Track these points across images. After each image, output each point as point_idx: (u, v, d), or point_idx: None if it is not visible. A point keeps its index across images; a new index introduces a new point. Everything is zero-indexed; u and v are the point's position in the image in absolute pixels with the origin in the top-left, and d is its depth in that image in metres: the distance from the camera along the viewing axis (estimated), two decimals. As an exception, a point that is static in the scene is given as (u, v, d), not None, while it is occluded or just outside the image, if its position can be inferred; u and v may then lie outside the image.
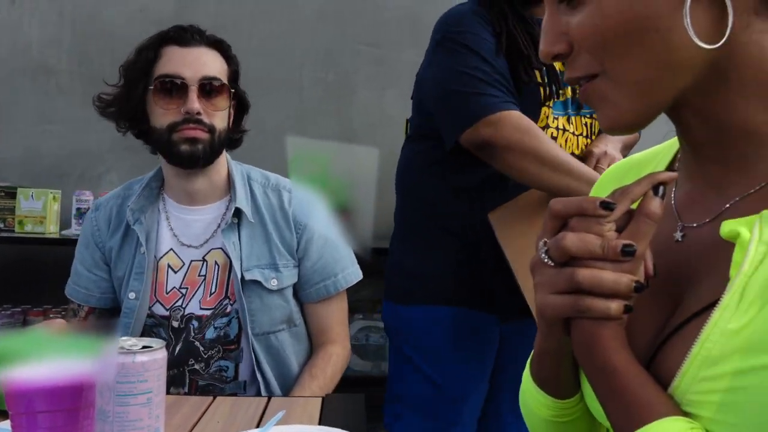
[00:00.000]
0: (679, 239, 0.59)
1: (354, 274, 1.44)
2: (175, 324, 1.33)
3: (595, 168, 1.33)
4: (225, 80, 1.34)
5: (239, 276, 1.32)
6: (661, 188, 0.54)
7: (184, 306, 1.34)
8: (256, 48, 2.58)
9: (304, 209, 1.38)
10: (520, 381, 0.71)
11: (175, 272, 1.36)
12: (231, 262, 1.33)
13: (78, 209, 2.30)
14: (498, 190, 1.33)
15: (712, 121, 0.56)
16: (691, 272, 0.55)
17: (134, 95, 1.31)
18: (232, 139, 1.41)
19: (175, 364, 1.32)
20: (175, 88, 1.28)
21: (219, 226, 1.36)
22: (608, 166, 1.31)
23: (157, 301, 1.34)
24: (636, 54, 0.54)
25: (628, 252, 0.51)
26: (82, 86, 2.58)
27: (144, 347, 0.77)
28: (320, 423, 1.00)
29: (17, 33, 2.59)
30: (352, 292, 2.41)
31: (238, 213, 1.35)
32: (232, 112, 1.38)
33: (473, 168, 1.33)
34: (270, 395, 1.32)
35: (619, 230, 0.53)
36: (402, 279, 1.44)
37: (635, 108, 0.56)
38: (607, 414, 0.54)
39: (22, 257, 2.35)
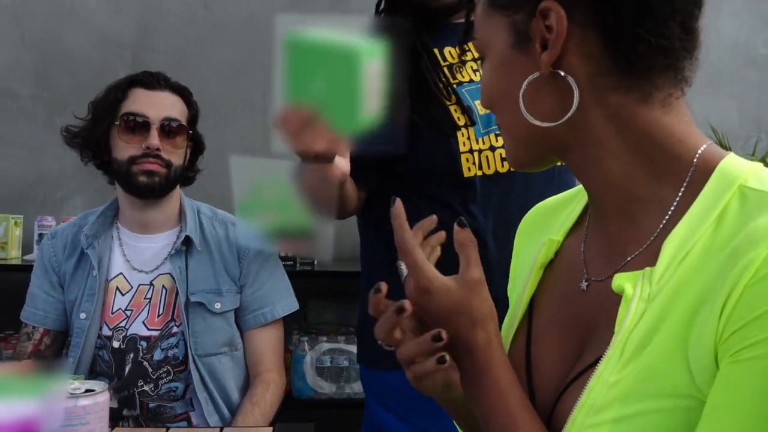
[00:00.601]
0: (585, 289, 0.64)
1: (290, 305, 1.56)
2: (116, 344, 1.42)
3: None
4: (184, 122, 1.48)
5: (185, 298, 1.42)
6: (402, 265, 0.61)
7: (127, 327, 1.44)
8: (217, 71, 2.62)
9: (247, 242, 1.47)
10: None
11: (123, 294, 1.46)
12: (178, 287, 1.42)
13: (40, 234, 2.29)
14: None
15: (595, 182, 0.62)
16: (592, 323, 0.60)
17: (100, 129, 1.45)
18: (186, 177, 1.53)
19: (124, 386, 1.40)
20: (138, 125, 1.42)
21: (169, 253, 1.46)
22: None
23: (105, 322, 1.44)
24: (506, 116, 0.64)
25: (436, 339, 0.58)
26: (45, 111, 2.58)
27: (87, 390, 0.80)
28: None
29: (-22, 57, 2.58)
30: (317, 315, 2.45)
31: (187, 241, 1.47)
32: (188, 151, 1.50)
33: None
34: (219, 415, 1.43)
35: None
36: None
37: (520, 155, 0.65)
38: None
39: (-17, 283, 2.32)
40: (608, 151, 0.60)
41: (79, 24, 2.60)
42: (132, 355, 1.42)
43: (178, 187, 1.53)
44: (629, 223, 0.61)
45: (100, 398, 0.80)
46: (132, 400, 1.41)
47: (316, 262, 2.31)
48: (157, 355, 1.43)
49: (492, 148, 1.26)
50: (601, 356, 0.56)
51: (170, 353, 1.43)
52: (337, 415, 2.12)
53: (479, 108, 1.28)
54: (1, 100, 2.57)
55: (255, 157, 0.80)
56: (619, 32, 0.58)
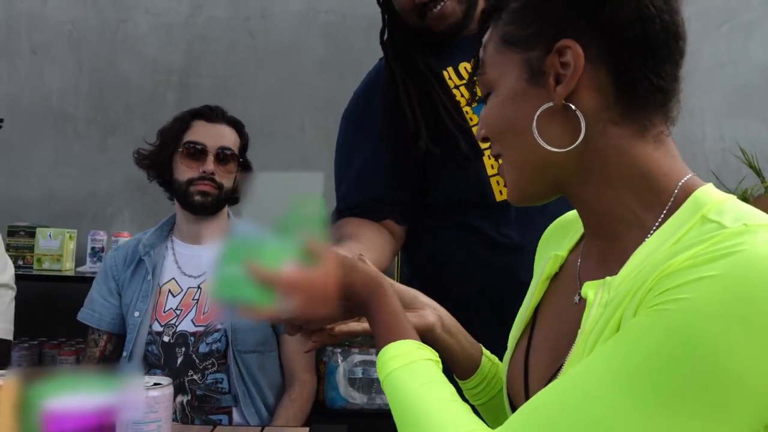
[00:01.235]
0: (577, 302, 0.71)
1: None
2: (166, 339, 1.59)
3: None
4: (236, 151, 1.69)
5: None
6: None
7: (176, 324, 1.61)
8: (261, 96, 2.76)
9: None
10: None
11: (174, 296, 1.64)
12: None
13: (93, 248, 2.44)
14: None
15: (589, 207, 0.69)
16: (577, 330, 0.66)
17: (165, 154, 1.67)
18: (234, 197, 1.72)
19: (176, 375, 1.56)
20: (197, 152, 1.66)
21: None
22: None
23: (156, 319, 1.61)
24: (513, 148, 0.70)
25: None
26: (98, 132, 2.75)
27: (155, 384, 0.92)
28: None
29: (38, 82, 2.77)
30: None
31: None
32: (238, 175, 1.70)
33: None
34: (256, 409, 1.58)
35: None
36: None
37: (524, 187, 0.71)
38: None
39: (40, 293, 2.47)
40: (604, 179, 0.66)
41: (130, 51, 2.78)
42: (183, 349, 1.60)
43: (226, 206, 1.74)
44: (616, 243, 0.68)
45: (166, 390, 0.93)
46: (183, 387, 1.58)
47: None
48: (203, 348, 1.59)
49: None
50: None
51: (214, 347, 1.59)
52: (367, 424, 2.20)
53: None
54: (57, 122, 2.75)
55: (279, 172, 0.82)
56: (627, 70, 0.64)
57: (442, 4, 1.21)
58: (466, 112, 1.25)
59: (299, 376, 1.67)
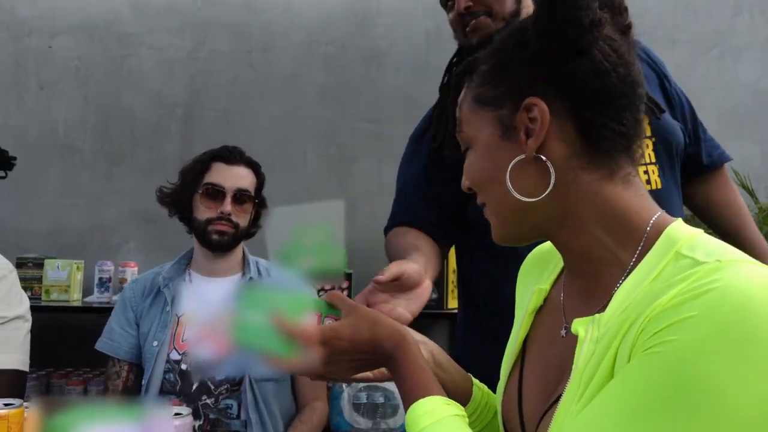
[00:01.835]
0: (564, 335, 0.76)
1: None
2: (184, 367, 1.66)
3: None
4: (252, 191, 1.78)
5: None
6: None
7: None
8: (263, 128, 2.82)
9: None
10: None
11: (192, 326, 1.71)
12: None
13: (100, 278, 2.49)
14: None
15: (569, 248, 0.75)
16: (567, 363, 0.70)
17: (186, 193, 1.76)
18: (249, 233, 1.82)
19: (191, 400, 1.63)
20: (216, 193, 1.74)
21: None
22: None
23: (174, 348, 1.68)
24: (492, 197, 0.75)
25: None
26: (104, 163, 2.82)
27: (176, 414, 0.96)
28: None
29: (46, 115, 2.83)
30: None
31: (249, 281, 1.75)
32: (253, 212, 1.80)
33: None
34: None
35: None
36: None
37: (507, 231, 0.77)
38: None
39: (48, 324, 2.50)
40: (580, 221, 0.71)
41: (135, 85, 2.85)
42: (199, 376, 1.66)
43: (242, 242, 1.83)
44: (597, 281, 0.72)
45: (187, 420, 0.97)
46: (197, 411, 1.63)
47: (352, 303, 2.45)
48: (219, 375, 1.67)
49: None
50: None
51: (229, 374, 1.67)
52: (373, 449, 2.22)
53: None
54: (65, 154, 2.81)
55: (287, 206, 0.86)
56: (590, 120, 0.70)
57: (477, 17, 1.35)
58: None
59: (312, 403, 1.76)
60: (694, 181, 1.50)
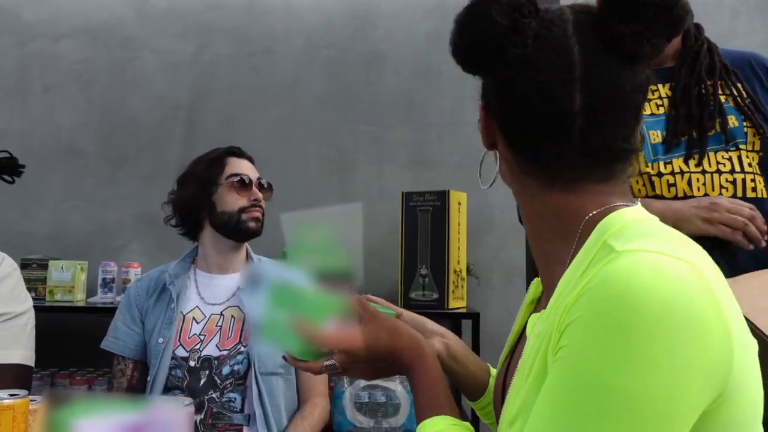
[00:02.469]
0: None
1: None
2: (192, 363, 1.70)
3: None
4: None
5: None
6: None
7: (201, 349, 1.71)
8: (265, 130, 2.84)
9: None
10: None
11: (198, 323, 1.75)
12: (245, 315, 1.73)
13: (104, 279, 2.51)
14: None
15: (532, 244, 0.78)
16: None
17: (207, 191, 1.79)
18: None
19: (198, 394, 1.67)
20: (243, 183, 1.81)
21: (238, 288, 1.78)
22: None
23: (180, 345, 1.71)
24: None
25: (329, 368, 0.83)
26: (107, 167, 2.84)
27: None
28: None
29: (50, 118, 2.86)
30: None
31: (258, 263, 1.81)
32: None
33: None
34: (269, 430, 1.66)
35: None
36: None
37: None
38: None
39: (52, 324, 2.53)
40: (527, 217, 0.76)
41: (138, 89, 2.88)
42: (207, 372, 1.69)
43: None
44: (549, 273, 0.75)
45: (189, 409, 0.98)
46: (202, 405, 1.66)
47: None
48: (225, 370, 1.70)
49: (659, 174, 1.36)
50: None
51: (235, 368, 1.70)
52: (374, 448, 2.24)
53: (652, 137, 1.39)
54: (69, 157, 2.84)
55: (304, 210, 0.88)
56: (517, 141, 0.73)
57: None
58: None
59: (314, 399, 1.78)
60: None
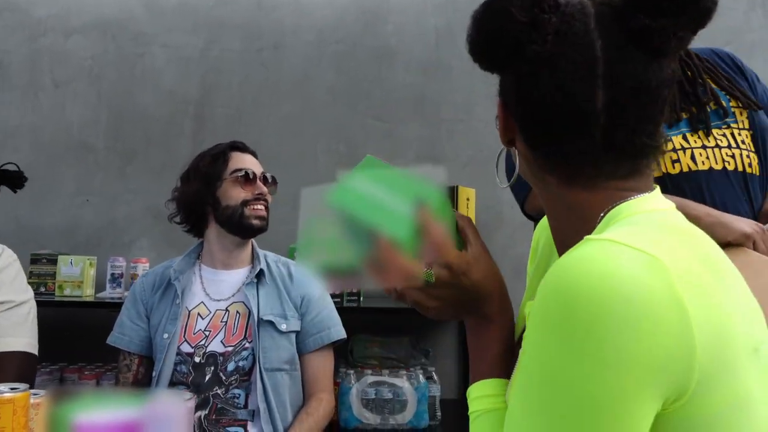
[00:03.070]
0: None
1: (341, 332, 1.85)
2: (197, 359, 1.70)
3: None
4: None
5: (257, 319, 1.72)
6: None
7: (206, 345, 1.71)
8: (274, 125, 2.84)
9: (304, 278, 1.80)
10: None
11: (203, 319, 1.75)
12: (250, 310, 1.73)
13: (112, 274, 2.52)
14: None
15: (557, 238, 0.77)
16: None
17: (210, 186, 1.78)
18: None
19: (203, 390, 1.67)
20: (248, 177, 1.79)
21: (244, 283, 1.78)
22: None
23: (185, 340, 1.71)
24: None
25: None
26: (117, 161, 2.85)
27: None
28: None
29: (60, 114, 2.87)
30: (362, 349, 2.59)
31: (259, 274, 1.79)
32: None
33: None
34: (274, 426, 1.66)
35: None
36: None
37: None
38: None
39: (61, 319, 2.54)
40: (550, 212, 0.76)
41: (148, 84, 2.88)
42: (212, 368, 1.69)
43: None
44: None
45: (189, 404, 0.98)
46: (207, 401, 1.66)
47: (362, 299, 2.46)
48: (230, 366, 1.69)
49: (681, 149, 1.36)
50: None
51: (240, 364, 1.70)
52: (381, 444, 2.23)
53: None
54: (78, 152, 2.85)
55: (323, 184, 0.78)
56: (538, 139, 0.72)
57: None
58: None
59: (319, 395, 1.77)
60: None
